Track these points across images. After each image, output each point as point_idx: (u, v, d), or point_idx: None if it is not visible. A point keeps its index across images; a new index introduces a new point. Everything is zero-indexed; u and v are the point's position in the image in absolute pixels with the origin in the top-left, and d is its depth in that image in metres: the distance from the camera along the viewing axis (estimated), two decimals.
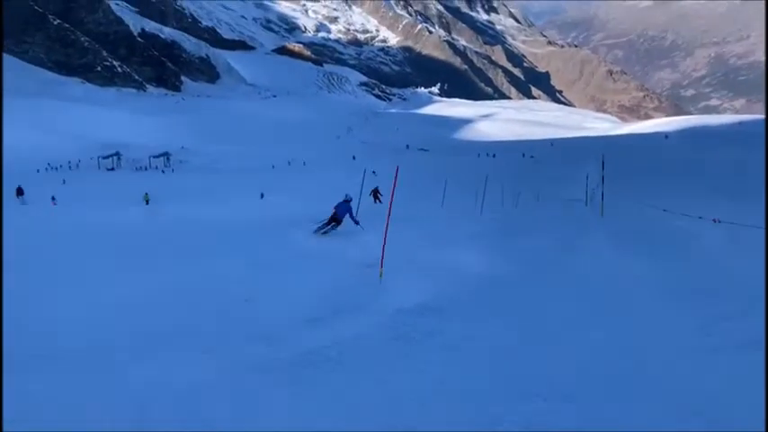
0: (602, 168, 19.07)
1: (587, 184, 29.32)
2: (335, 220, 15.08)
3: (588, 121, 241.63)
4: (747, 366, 5.33)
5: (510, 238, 13.86)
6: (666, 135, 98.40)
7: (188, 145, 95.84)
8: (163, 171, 70.58)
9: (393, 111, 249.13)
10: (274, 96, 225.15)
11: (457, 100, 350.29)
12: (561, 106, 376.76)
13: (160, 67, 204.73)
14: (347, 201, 15.33)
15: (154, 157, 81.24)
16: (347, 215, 15.02)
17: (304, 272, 9.77)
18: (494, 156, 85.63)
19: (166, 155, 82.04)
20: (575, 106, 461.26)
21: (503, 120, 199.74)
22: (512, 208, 26.30)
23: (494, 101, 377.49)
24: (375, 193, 32.78)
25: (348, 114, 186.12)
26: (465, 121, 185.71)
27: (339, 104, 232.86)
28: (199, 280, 8.98)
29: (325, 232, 14.68)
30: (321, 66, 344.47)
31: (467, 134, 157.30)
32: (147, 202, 31.42)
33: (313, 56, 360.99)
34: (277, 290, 8.63)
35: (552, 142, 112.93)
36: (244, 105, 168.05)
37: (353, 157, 74.74)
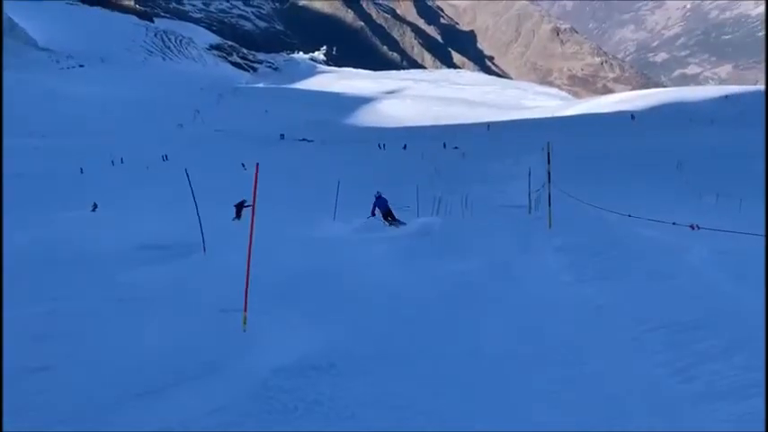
0: (549, 161, 19.87)
1: (530, 184, 30.45)
2: (386, 215, 25.04)
3: (530, 97, 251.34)
4: (739, 419, 5.72)
5: (427, 260, 14.17)
6: (632, 115, 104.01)
7: None
8: None
9: (260, 85, 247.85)
10: (81, 66, 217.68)
11: (351, 70, 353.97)
12: (493, 78, 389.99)
13: None
14: (378, 196, 25.38)
15: None
16: (387, 205, 25.11)
17: (129, 322, 9.49)
18: (404, 147, 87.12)
19: None
20: (511, 78, 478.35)
21: (415, 97, 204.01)
22: (430, 218, 26.83)
23: (402, 71, 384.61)
24: (240, 208, 32.56)
25: (194, 91, 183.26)
26: (363, 100, 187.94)
27: (180, 77, 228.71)
28: None
29: (397, 226, 23.68)
30: (151, 21, 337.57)
31: (366, 117, 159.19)
32: None
33: (138, 7, 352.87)
34: (90, 350, 8.33)
35: (489, 126, 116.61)
36: (35, 80, 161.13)
37: (164, 158, 72.74)
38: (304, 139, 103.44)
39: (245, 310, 8.94)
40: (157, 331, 9.01)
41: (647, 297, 9.46)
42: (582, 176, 37.77)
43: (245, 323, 8.92)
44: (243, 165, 51.95)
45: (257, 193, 9.55)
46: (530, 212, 28.02)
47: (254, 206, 9.88)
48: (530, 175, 31.55)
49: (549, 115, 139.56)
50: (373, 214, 25.62)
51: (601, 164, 52.24)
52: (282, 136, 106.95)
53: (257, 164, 9.73)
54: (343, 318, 9.54)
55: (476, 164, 62.91)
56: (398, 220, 25.12)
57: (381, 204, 25.50)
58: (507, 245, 16.13)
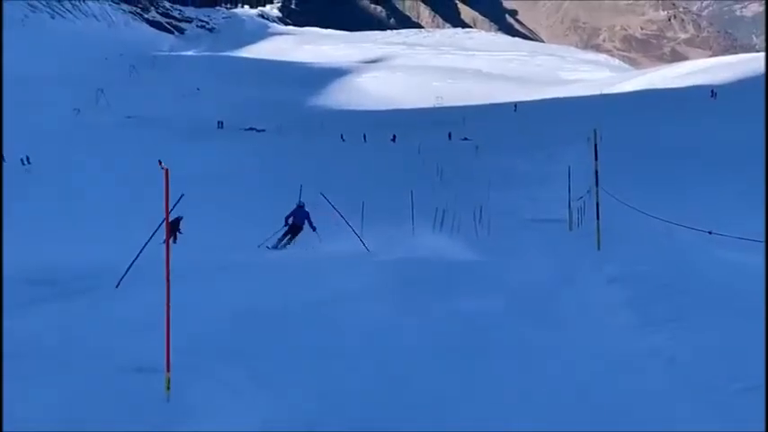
0: (596, 156, 19.86)
1: (570, 189, 30.44)
2: (295, 228, 28.60)
3: (568, 67, 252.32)
4: None
5: (427, 296, 14.07)
6: (713, 91, 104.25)
7: None
8: None
9: (189, 53, 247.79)
10: None
11: (317, 31, 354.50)
12: (517, 41, 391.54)
13: None
14: (301, 206, 28.84)
15: None
16: (306, 222, 28.49)
17: (8, 390, 9.35)
18: (393, 139, 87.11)
19: None
20: (542, 40, 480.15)
21: (408, 68, 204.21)
22: (432, 238, 26.77)
23: (390, 32, 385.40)
24: (175, 227, 32.63)
25: (97, 61, 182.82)
26: (334, 73, 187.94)
27: (76, 42, 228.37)
28: None
29: (284, 245, 28.18)
30: None
31: (339, 97, 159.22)
32: None
33: None
34: None
35: (516, 106, 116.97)
36: None
37: (22, 159, 71.34)
38: (252, 129, 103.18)
39: (168, 370, 8.84)
40: (45, 401, 8.88)
41: (738, 345, 9.40)
42: (642, 177, 37.98)
43: (168, 388, 8.82)
44: (160, 163, 51.82)
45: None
46: (571, 228, 28.08)
47: (167, 224, 9.79)
48: (570, 175, 31.56)
49: (597, 92, 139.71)
50: (286, 224, 29.14)
51: (669, 160, 52.25)
52: (221, 124, 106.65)
53: (160, 161, 9.64)
54: (304, 379, 9.42)
55: (494, 161, 62.98)
56: (290, 241, 29.08)
57: (300, 216, 29.11)
58: (540, 274, 16.08)
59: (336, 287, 15.48)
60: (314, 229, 28.15)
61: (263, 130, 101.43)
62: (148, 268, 16.13)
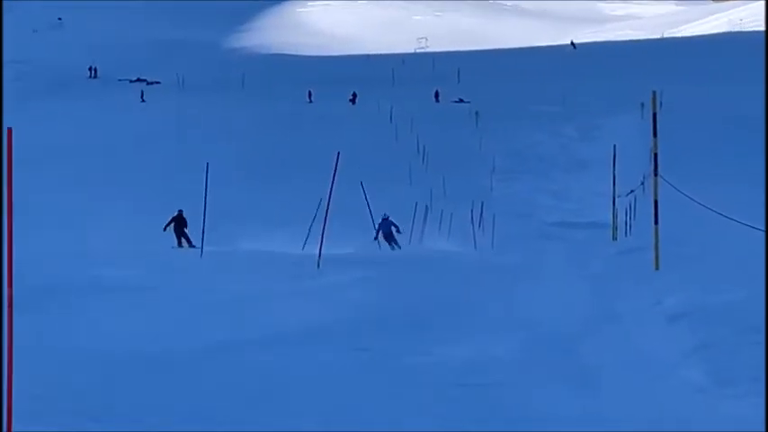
0: (655, 132, 19.70)
1: (615, 179, 30.44)
2: (388, 237, 38.64)
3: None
4: None
5: (398, 340, 13.81)
6: None
7: None
8: None
9: None
10: None
11: None
12: None
13: None
14: (386, 219, 38.70)
15: None
16: (392, 228, 38.93)
17: None
18: (352, 99, 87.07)
19: None
20: None
21: None
22: (407, 248, 26.74)
23: None
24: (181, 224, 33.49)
25: None
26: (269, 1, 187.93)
27: None
28: None
29: (393, 246, 39.31)
30: None
31: (271, 36, 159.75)
32: None
33: None
34: None
35: (574, 45, 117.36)
36: None
37: None
38: (141, 80, 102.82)
39: None
40: None
41: None
42: (723, 161, 38.05)
43: None
44: None
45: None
46: (615, 238, 28.09)
47: (10, 223, 9.54)
48: (615, 158, 31.55)
49: (655, 35, 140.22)
50: (376, 238, 36.50)
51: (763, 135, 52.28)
52: (94, 72, 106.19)
53: (9, 129, 9.40)
54: None
55: (502, 135, 62.84)
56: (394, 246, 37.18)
57: (385, 228, 37.39)
58: (567, 309, 15.92)
59: (262, 321, 15.22)
60: (399, 231, 38.11)
61: (158, 83, 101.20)
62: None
